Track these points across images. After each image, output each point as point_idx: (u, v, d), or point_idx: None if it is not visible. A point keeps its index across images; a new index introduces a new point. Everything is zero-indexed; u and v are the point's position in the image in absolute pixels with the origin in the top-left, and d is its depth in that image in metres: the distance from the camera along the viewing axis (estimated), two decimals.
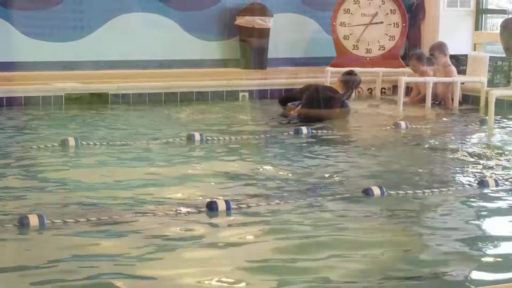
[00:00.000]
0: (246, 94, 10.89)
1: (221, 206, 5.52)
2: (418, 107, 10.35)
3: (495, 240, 5.10)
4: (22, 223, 5.03)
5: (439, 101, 10.54)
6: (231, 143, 7.94)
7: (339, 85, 9.63)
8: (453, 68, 10.58)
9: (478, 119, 9.58)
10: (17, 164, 6.86)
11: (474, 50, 12.45)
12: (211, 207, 5.51)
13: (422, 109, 10.20)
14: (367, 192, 5.94)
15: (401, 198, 5.97)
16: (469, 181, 6.45)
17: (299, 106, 9.42)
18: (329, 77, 10.69)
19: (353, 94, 9.95)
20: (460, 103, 10.51)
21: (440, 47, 10.68)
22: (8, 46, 11.00)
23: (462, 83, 10.62)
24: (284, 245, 4.86)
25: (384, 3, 12.09)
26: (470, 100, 10.69)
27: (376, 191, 5.94)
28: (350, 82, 9.66)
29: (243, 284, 4.29)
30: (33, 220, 5.04)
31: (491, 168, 6.97)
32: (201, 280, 4.31)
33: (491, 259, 4.72)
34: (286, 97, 9.95)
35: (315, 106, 9.30)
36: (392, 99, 10.82)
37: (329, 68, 10.98)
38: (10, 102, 9.79)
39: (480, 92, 10.43)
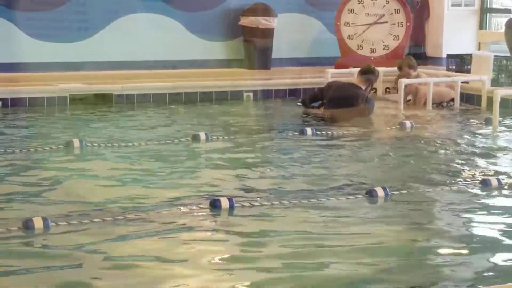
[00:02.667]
0: (251, 94, 10.89)
1: (225, 204, 5.54)
2: (420, 107, 10.33)
3: (498, 240, 5.09)
4: (27, 226, 5.04)
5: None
6: (235, 143, 7.94)
7: (360, 81, 9.58)
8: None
9: (483, 118, 9.56)
10: (21, 165, 6.87)
11: (479, 49, 12.42)
12: (215, 204, 5.54)
13: (425, 109, 10.18)
14: (370, 193, 5.93)
15: (403, 198, 5.97)
16: (473, 181, 6.44)
17: (322, 107, 9.38)
18: (330, 78, 10.62)
19: None
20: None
21: (409, 63, 10.63)
22: (13, 47, 11.00)
23: (466, 82, 10.60)
24: (286, 245, 4.87)
25: (388, 3, 12.07)
26: (475, 99, 10.66)
27: (380, 192, 5.93)
28: (370, 76, 9.61)
29: (245, 282, 4.30)
30: (38, 222, 5.05)
31: (495, 167, 6.97)
32: (204, 278, 4.33)
33: (494, 259, 4.72)
34: (309, 97, 9.87)
35: (339, 106, 9.24)
36: (395, 100, 10.80)
37: (330, 70, 10.93)
38: (14, 103, 9.81)
39: (481, 91, 10.41)
